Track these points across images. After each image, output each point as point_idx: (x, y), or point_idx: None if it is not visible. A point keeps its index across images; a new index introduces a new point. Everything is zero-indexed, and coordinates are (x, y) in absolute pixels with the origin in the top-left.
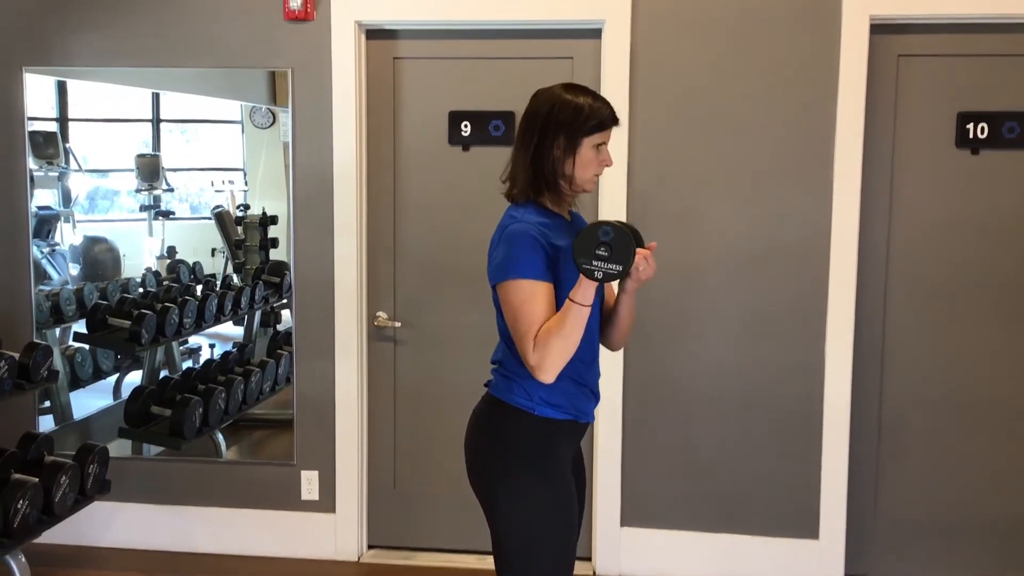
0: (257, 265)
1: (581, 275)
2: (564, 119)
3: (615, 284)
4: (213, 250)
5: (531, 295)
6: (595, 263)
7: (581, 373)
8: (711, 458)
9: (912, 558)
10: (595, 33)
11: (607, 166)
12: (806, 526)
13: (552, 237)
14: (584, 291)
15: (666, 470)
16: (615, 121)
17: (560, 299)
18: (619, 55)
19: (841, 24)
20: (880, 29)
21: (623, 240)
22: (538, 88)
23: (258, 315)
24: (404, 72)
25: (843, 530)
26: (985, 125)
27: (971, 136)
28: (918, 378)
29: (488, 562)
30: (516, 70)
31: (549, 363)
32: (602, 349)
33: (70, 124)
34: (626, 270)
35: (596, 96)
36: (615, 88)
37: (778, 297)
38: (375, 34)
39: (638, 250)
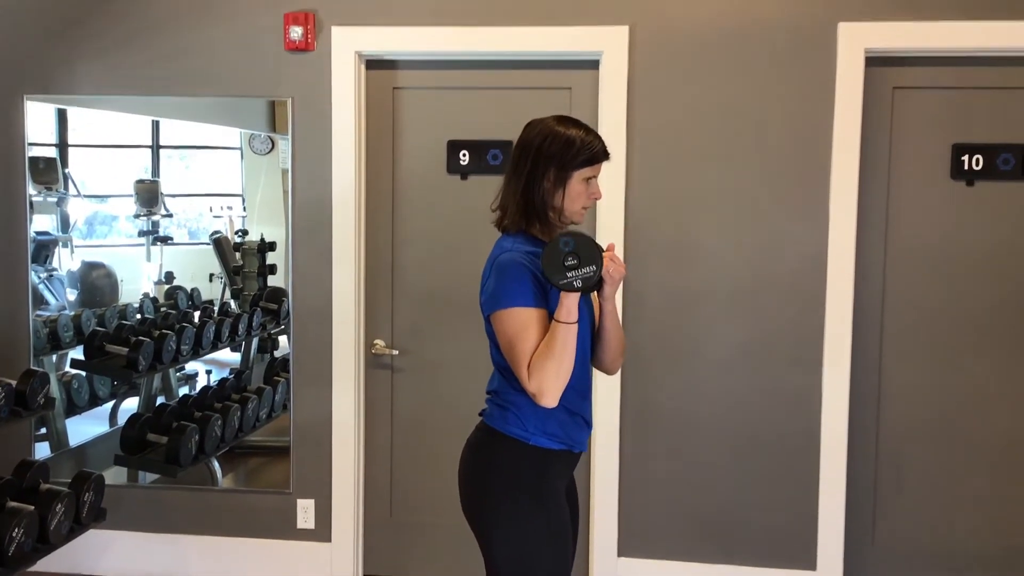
0: (255, 291)
1: (562, 293)
2: (555, 152)
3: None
4: (211, 276)
5: (525, 324)
6: (569, 275)
7: (574, 402)
8: (708, 488)
9: None
10: (593, 64)
11: (596, 199)
12: (803, 556)
13: (539, 264)
14: (567, 308)
15: (663, 500)
16: (606, 156)
17: None
18: (617, 86)
19: (837, 57)
20: (875, 62)
21: (585, 242)
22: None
23: (255, 342)
24: (403, 101)
25: (841, 560)
26: (980, 157)
27: (966, 167)
28: (915, 406)
29: None
30: (514, 100)
31: (547, 386)
32: (598, 377)
33: (69, 150)
34: (599, 269)
35: (588, 130)
36: (612, 118)
37: (775, 326)
38: (375, 64)
39: (603, 253)
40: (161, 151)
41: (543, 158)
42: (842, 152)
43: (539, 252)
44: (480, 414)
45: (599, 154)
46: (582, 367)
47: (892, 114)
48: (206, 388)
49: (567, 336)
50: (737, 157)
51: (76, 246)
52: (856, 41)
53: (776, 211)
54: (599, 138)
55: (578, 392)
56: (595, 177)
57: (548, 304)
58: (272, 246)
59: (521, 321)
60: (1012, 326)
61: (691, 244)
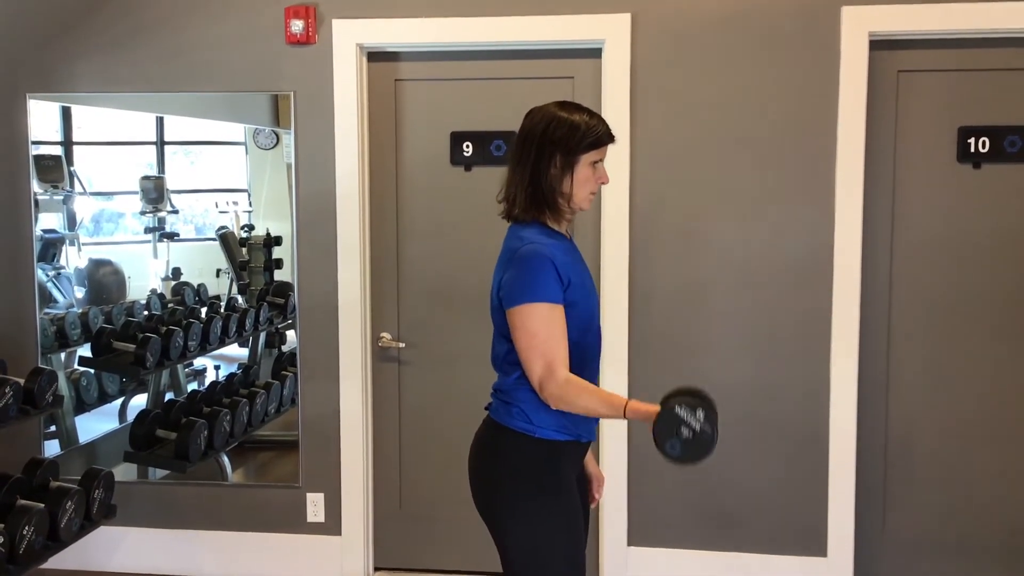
0: (262, 286)
1: (634, 409)
2: (560, 137)
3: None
4: (218, 271)
5: (549, 319)
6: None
7: None
8: (718, 476)
9: (921, 575)
10: (595, 53)
11: (603, 183)
12: (814, 543)
13: (561, 258)
14: (636, 412)
15: (673, 489)
16: (611, 138)
17: (569, 318)
18: (619, 74)
19: (841, 41)
20: (880, 45)
21: (701, 442)
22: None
23: (263, 336)
24: (406, 93)
25: (851, 547)
26: (986, 139)
27: (972, 150)
28: (924, 393)
29: None
30: (517, 90)
31: (563, 406)
32: (605, 370)
33: (75, 147)
34: (707, 436)
35: (591, 114)
36: (616, 107)
37: (782, 314)
38: (376, 56)
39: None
40: (166, 147)
41: (548, 144)
42: (847, 137)
43: (556, 244)
44: (486, 408)
45: (604, 137)
46: (592, 362)
47: (897, 98)
48: (214, 383)
49: (605, 415)
50: (742, 145)
51: (83, 244)
52: (860, 24)
53: (781, 199)
54: (603, 121)
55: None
56: (601, 161)
57: (565, 298)
58: (278, 240)
59: (545, 317)
60: (1021, 311)
61: (697, 233)
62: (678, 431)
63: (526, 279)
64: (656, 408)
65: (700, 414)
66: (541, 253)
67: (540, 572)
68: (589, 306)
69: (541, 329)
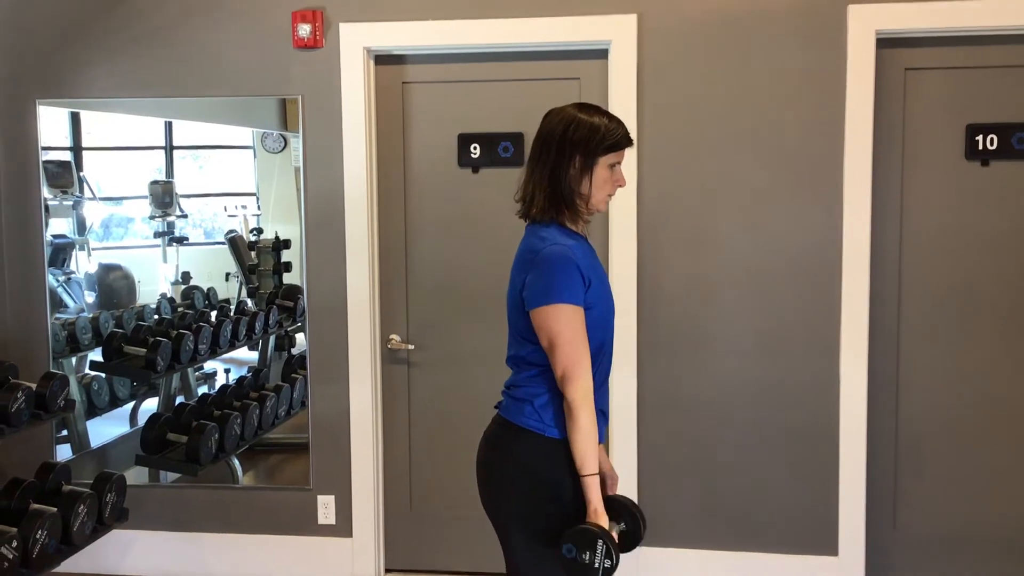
0: (271, 289)
1: (588, 487)
2: (580, 138)
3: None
4: (227, 275)
5: (570, 321)
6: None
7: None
8: (727, 476)
9: (932, 573)
10: (602, 53)
11: (621, 186)
12: (825, 542)
13: (583, 260)
14: (588, 495)
15: (683, 488)
16: (629, 141)
17: (587, 319)
18: (626, 74)
19: (847, 39)
20: (886, 43)
21: (579, 536)
22: (548, 109)
23: (272, 339)
24: (413, 96)
25: (862, 546)
26: (994, 136)
27: (980, 148)
28: (934, 390)
29: None
30: (524, 92)
31: (568, 412)
32: (615, 367)
33: (84, 153)
34: (599, 547)
35: (611, 116)
36: (623, 107)
37: (791, 312)
38: (383, 59)
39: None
40: (175, 152)
41: (568, 145)
42: (855, 135)
43: (576, 245)
44: (496, 407)
45: (623, 140)
46: (603, 362)
47: (905, 96)
48: (225, 387)
49: (576, 452)
50: (749, 144)
51: (93, 248)
52: (866, 23)
53: (790, 197)
54: (622, 124)
55: (596, 385)
56: (619, 164)
57: (585, 300)
58: (287, 244)
59: (567, 319)
60: None
61: (705, 232)
62: (584, 551)
63: (550, 280)
64: (596, 506)
65: (607, 562)
66: (565, 255)
67: (544, 571)
68: (606, 307)
69: (564, 330)
